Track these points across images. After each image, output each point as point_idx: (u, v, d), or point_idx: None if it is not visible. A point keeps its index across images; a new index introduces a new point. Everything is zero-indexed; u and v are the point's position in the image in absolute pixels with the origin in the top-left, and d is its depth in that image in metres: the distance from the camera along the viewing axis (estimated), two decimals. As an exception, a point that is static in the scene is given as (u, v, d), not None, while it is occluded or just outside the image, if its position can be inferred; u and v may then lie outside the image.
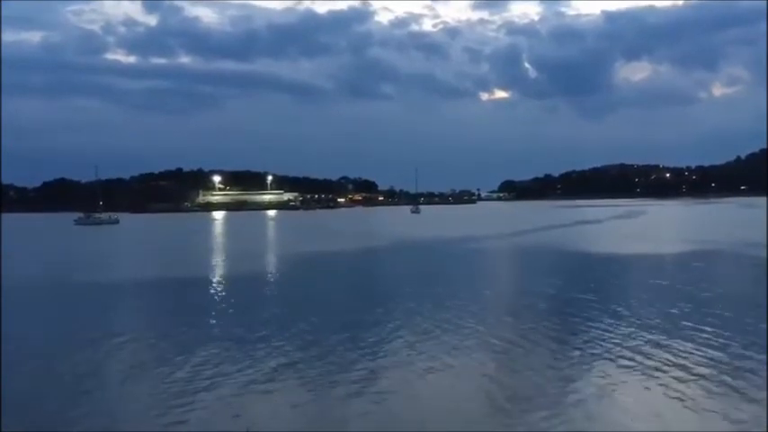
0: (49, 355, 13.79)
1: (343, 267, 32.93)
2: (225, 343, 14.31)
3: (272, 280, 27.33)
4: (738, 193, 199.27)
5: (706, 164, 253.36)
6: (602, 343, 13.51)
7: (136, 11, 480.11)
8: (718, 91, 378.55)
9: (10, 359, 13.22)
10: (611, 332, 14.52)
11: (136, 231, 79.37)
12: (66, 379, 11.81)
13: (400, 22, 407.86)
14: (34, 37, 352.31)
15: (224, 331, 15.65)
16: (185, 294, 23.08)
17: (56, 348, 14.47)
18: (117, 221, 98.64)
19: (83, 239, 63.79)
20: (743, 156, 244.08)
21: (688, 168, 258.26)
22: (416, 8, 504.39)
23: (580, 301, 19.02)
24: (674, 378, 10.96)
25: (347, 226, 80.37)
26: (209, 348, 13.79)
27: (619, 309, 17.48)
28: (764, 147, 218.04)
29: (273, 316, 17.83)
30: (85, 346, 14.33)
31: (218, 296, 22.51)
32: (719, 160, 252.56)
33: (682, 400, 9.88)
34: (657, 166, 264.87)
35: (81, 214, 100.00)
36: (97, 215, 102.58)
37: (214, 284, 25.62)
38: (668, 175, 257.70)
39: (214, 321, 17.25)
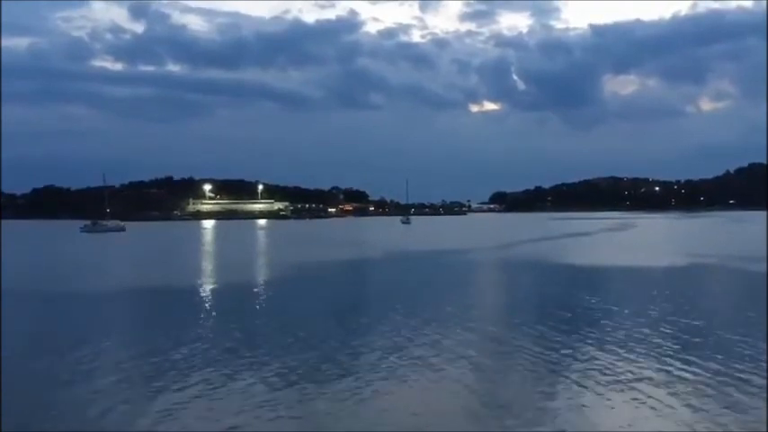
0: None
1: (333, 278, 32.66)
2: (214, 350, 14.04)
3: (264, 290, 27.05)
4: (727, 206, 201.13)
5: (695, 177, 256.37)
6: (596, 355, 13.32)
7: (122, 17, 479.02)
8: (705, 105, 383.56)
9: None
10: (604, 344, 14.36)
11: (144, 240, 78.67)
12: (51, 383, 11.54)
13: (389, 33, 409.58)
14: (22, 43, 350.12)
15: (214, 339, 15.37)
16: (184, 302, 22.83)
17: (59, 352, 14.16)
18: (123, 229, 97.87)
19: (98, 247, 62.99)
20: (732, 170, 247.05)
21: (677, 182, 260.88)
22: (405, 19, 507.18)
23: (573, 312, 18.85)
24: (672, 381, 10.77)
25: (338, 236, 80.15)
26: (198, 354, 13.51)
27: (613, 322, 17.32)
28: (754, 161, 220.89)
29: (262, 326, 17.61)
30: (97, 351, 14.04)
31: (214, 305, 22.35)
32: (708, 174, 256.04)
33: (679, 404, 9.72)
34: (647, 180, 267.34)
35: (87, 221, 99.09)
36: (104, 223, 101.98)
37: (208, 294, 25.42)
38: (657, 188, 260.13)
39: (204, 329, 16.96)
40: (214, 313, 20.57)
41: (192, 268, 37.16)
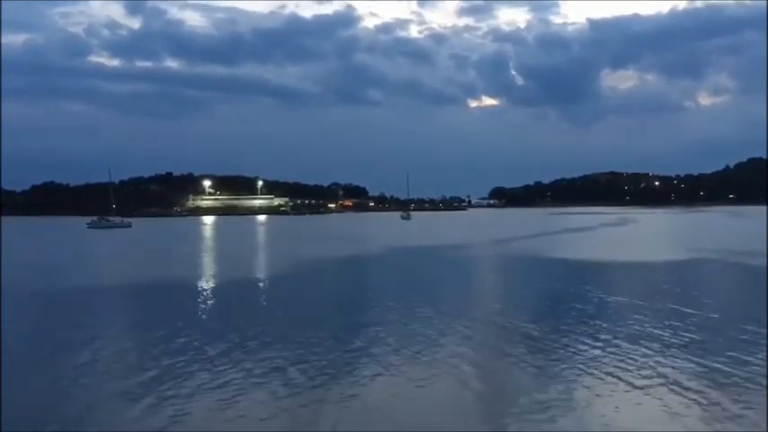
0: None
1: (332, 274, 32.82)
2: (211, 350, 14.11)
3: (262, 287, 27.19)
4: (727, 201, 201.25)
5: (694, 172, 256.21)
6: (599, 351, 13.38)
7: (118, 13, 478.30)
8: (704, 100, 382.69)
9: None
10: (608, 341, 14.42)
11: (151, 236, 78.79)
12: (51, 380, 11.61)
13: (386, 28, 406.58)
14: (18, 39, 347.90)
15: (211, 338, 15.41)
16: (181, 300, 22.91)
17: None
18: (129, 225, 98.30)
19: (108, 243, 63.23)
20: (731, 164, 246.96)
21: (677, 177, 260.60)
22: (403, 14, 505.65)
23: (576, 308, 18.91)
24: (671, 383, 10.81)
25: (339, 232, 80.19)
26: (195, 354, 13.62)
27: (617, 317, 17.38)
28: (753, 156, 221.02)
29: (260, 323, 17.65)
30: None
31: (228, 300, 22.59)
32: (707, 169, 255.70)
33: (679, 402, 9.75)
34: (647, 175, 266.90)
35: (91, 218, 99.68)
36: (110, 219, 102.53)
37: (221, 289, 25.71)
38: (657, 183, 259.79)
39: (219, 324, 17.08)
40: (228, 308, 20.85)
41: (203, 264, 37.98)
